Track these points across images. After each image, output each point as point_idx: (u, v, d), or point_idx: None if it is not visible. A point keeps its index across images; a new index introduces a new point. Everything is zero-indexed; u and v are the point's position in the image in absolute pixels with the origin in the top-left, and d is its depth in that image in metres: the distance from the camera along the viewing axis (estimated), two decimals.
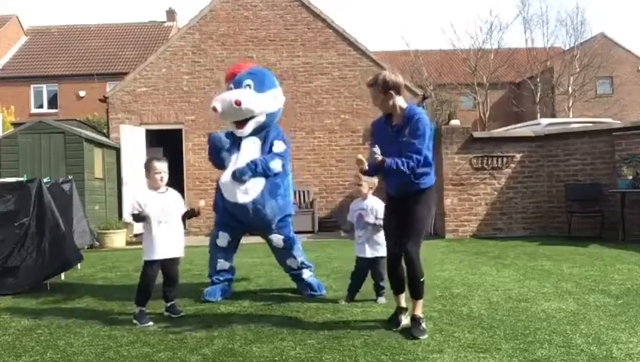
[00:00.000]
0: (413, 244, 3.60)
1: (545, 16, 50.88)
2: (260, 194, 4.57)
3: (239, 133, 4.71)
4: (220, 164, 4.76)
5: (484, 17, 53.81)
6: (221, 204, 4.78)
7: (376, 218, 4.34)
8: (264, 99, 4.73)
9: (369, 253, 4.42)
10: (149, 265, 4.08)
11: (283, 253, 4.88)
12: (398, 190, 3.75)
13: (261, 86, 4.79)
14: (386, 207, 3.95)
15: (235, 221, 4.78)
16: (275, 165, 4.59)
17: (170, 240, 4.11)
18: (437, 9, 60.53)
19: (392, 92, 3.63)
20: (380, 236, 4.39)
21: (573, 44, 27.11)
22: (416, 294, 3.65)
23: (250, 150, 4.69)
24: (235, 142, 4.76)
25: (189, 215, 4.37)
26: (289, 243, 4.83)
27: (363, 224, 4.42)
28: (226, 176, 4.61)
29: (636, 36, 51.45)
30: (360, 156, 3.58)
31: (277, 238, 4.81)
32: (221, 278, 4.83)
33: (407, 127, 3.58)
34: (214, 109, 4.60)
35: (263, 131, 4.77)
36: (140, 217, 4.03)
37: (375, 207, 4.40)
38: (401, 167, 3.46)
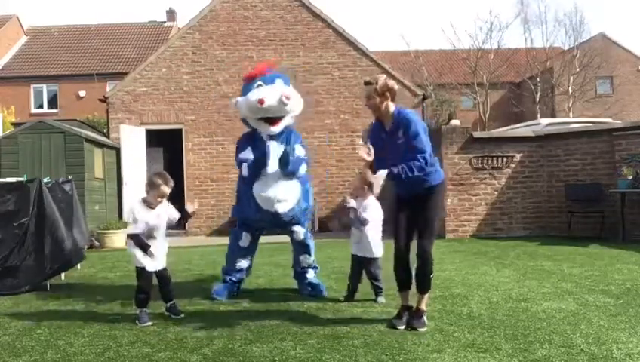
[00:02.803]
0: (429, 243, 3.71)
1: (543, 16, 50.98)
2: (296, 202, 4.62)
3: (271, 130, 4.59)
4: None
5: (484, 17, 53.62)
6: (247, 209, 4.69)
7: (363, 217, 4.42)
8: (299, 99, 4.72)
9: (360, 252, 4.53)
10: (142, 270, 4.05)
11: (300, 247, 4.90)
12: (408, 190, 3.79)
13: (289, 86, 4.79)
14: (395, 205, 3.94)
15: (261, 224, 4.78)
16: (302, 170, 4.61)
17: (156, 254, 4.07)
18: (437, 9, 60.52)
19: (387, 94, 3.70)
20: (374, 237, 4.44)
21: (573, 44, 27.12)
22: (425, 288, 3.77)
23: (278, 155, 4.58)
24: (256, 146, 4.62)
25: (185, 218, 4.32)
26: (307, 235, 4.89)
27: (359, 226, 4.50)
28: (262, 187, 4.51)
29: (636, 36, 51.49)
30: (361, 153, 3.57)
31: (298, 229, 4.82)
32: (234, 278, 4.84)
33: (400, 130, 3.65)
34: (261, 102, 4.44)
35: (282, 134, 4.69)
36: (144, 248, 3.99)
37: (369, 205, 4.47)
38: (410, 173, 3.52)
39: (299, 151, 4.65)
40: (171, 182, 4.13)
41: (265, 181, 4.52)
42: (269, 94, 4.50)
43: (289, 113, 4.63)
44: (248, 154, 4.57)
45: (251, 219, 4.75)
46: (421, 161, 3.55)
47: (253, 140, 4.69)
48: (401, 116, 3.69)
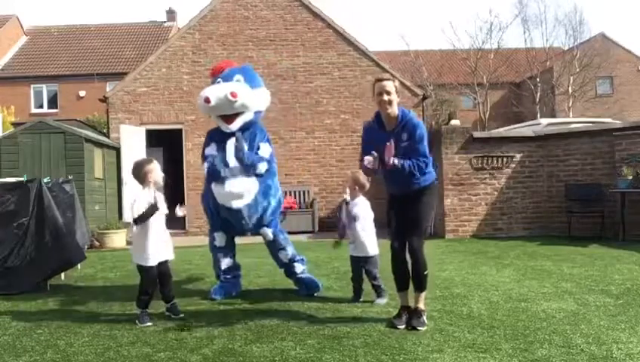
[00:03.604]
0: (417, 239, 3.74)
1: (543, 16, 50.97)
2: (254, 198, 4.57)
3: (227, 128, 4.59)
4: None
5: (484, 17, 53.52)
6: (213, 207, 4.72)
7: (353, 213, 4.48)
8: (257, 95, 4.70)
9: (356, 252, 4.55)
10: (148, 269, 4.04)
11: (274, 246, 4.87)
12: (401, 189, 3.84)
13: (252, 82, 4.74)
14: (388, 205, 3.99)
15: (229, 221, 4.76)
16: (262, 167, 4.56)
17: (163, 243, 4.09)
18: (437, 9, 60.46)
19: (399, 94, 3.79)
20: (367, 236, 4.48)
21: (573, 44, 27.14)
22: (420, 287, 3.79)
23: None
24: (219, 142, 4.64)
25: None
26: (277, 232, 4.84)
27: (350, 223, 4.54)
28: (219, 183, 4.52)
29: (636, 36, 51.46)
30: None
31: (264, 231, 4.80)
32: (229, 276, 4.84)
33: (405, 132, 3.71)
34: (207, 100, 4.47)
35: (247, 131, 4.67)
36: (154, 208, 3.96)
37: (358, 204, 4.53)
38: (413, 170, 3.64)
39: (264, 149, 4.63)
40: (156, 167, 4.12)
41: (222, 179, 4.52)
42: (215, 92, 4.51)
43: (243, 110, 4.57)
44: (212, 150, 4.62)
45: (213, 215, 4.78)
46: (422, 164, 3.67)
47: (218, 136, 4.70)
48: (407, 119, 3.74)
